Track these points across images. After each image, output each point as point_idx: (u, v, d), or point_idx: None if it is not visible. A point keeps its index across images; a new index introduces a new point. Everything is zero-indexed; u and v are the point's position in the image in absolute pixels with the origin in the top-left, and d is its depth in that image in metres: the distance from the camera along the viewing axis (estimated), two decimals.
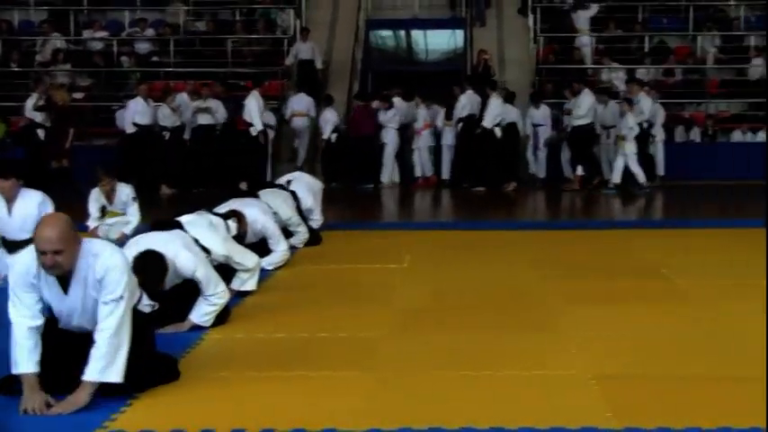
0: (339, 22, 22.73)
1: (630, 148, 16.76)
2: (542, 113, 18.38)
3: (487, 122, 17.37)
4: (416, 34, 23.95)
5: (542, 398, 5.24)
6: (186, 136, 17.59)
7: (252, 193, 10.10)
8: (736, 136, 19.84)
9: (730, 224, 12.66)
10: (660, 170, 18.21)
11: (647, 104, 17.57)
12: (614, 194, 16.67)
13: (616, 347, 6.30)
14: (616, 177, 16.96)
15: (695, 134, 19.79)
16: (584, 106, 17.52)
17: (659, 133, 17.98)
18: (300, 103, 18.88)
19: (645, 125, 17.44)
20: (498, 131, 17.50)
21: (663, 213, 15.85)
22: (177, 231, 6.98)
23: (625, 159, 16.74)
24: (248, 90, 18.32)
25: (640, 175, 16.82)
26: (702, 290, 8.29)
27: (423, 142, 18.45)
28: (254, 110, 17.17)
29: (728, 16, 22.68)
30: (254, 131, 17.15)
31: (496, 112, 17.51)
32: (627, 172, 16.83)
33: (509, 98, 18.30)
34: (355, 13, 22.69)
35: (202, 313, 6.73)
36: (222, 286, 6.84)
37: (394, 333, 6.79)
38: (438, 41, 23.93)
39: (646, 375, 5.63)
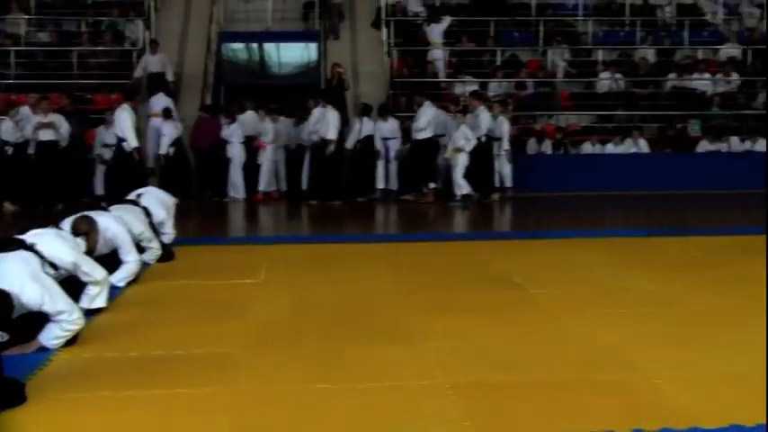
0: (190, 34, 22.46)
1: (462, 160, 17.05)
2: (390, 127, 18.36)
3: (331, 134, 17.31)
4: (269, 47, 23.87)
5: (401, 409, 5.27)
6: (30, 151, 17.04)
7: (102, 207, 9.86)
8: (586, 148, 20.32)
9: (581, 234, 12.97)
10: (507, 182, 18.45)
11: (485, 118, 17.76)
12: (462, 206, 16.88)
13: (473, 356, 6.38)
14: (460, 189, 17.22)
15: (546, 146, 20.20)
16: (424, 119, 17.69)
17: (504, 146, 18.15)
18: (158, 104, 18.48)
19: (483, 138, 17.68)
20: (332, 146, 17.43)
21: (515, 225, 16.13)
22: (21, 256, 6.54)
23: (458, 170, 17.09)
24: (93, 103, 17.87)
25: (464, 188, 17.13)
26: (555, 298, 8.46)
27: (268, 156, 18.33)
28: (127, 124, 16.32)
29: (577, 31, 23.29)
30: (127, 147, 16.33)
31: (336, 123, 17.46)
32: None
33: (365, 111, 18.38)
34: (207, 24, 22.50)
35: (52, 336, 6.50)
36: (77, 313, 6.61)
37: (252, 348, 6.73)
38: (292, 54, 23.89)
39: (503, 383, 5.72)
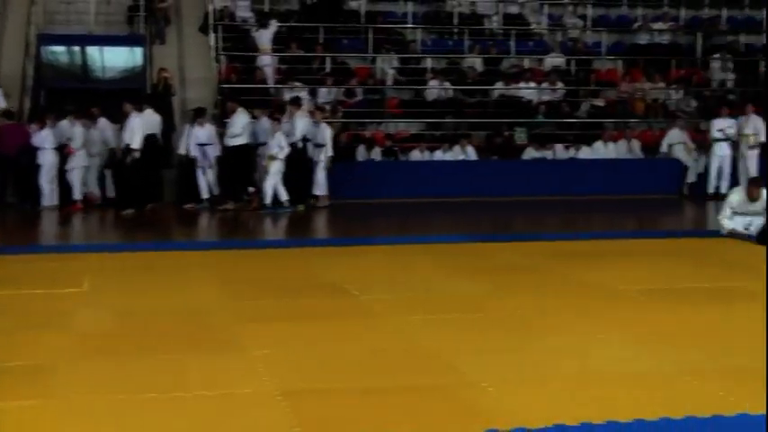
0: (7, 36, 21.76)
1: (276, 167, 17.09)
2: (207, 133, 18.05)
3: (135, 142, 16.79)
4: (92, 50, 23.22)
5: (230, 417, 5.24)
6: None
7: None
8: (415, 155, 20.53)
9: (410, 240, 13.13)
10: (321, 190, 18.16)
11: (301, 125, 17.79)
12: (279, 213, 16.86)
13: (303, 363, 6.38)
14: (269, 197, 17.17)
15: (376, 153, 20.33)
16: (238, 125, 17.60)
17: (326, 152, 17.97)
18: None
19: (300, 144, 17.72)
20: (136, 154, 16.93)
21: (343, 231, 16.12)
22: None
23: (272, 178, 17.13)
24: None
25: (278, 196, 17.13)
26: (384, 304, 8.54)
27: (77, 162, 17.66)
28: None
29: (406, 39, 23.54)
30: None
31: (140, 131, 16.88)
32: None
33: (198, 115, 18.11)
34: (25, 26, 21.85)
35: None
36: None
37: (74, 359, 6.57)
38: (116, 58, 23.33)
39: (332, 389, 5.75)
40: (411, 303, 8.58)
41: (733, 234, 12.87)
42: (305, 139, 17.94)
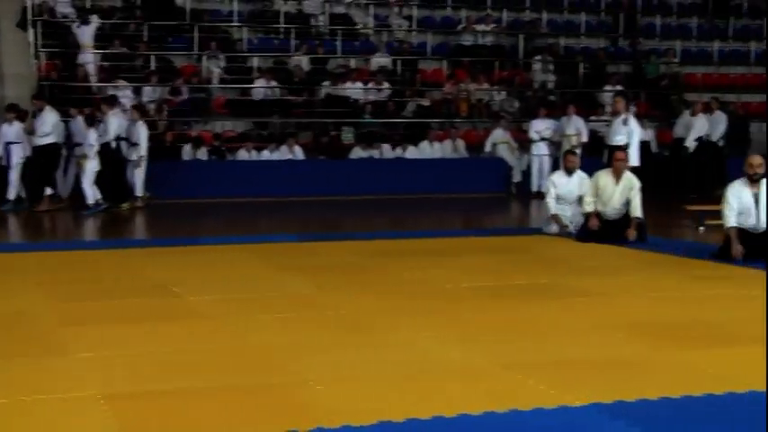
0: None
1: (90, 166, 16.80)
2: (15, 131, 17.56)
3: None
4: None
5: (51, 422, 5.07)
6: None
7: None
8: (242, 154, 20.43)
9: (237, 240, 13.06)
10: (137, 191, 17.99)
11: (114, 124, 17.54)
12: (94, 213, 16.64)
13: (128, 366, 6.25)
14: (90, 197, 16.88)
15: (202, 153, 20.15)
16: (48, 123, 17.22)
17: (140, 152, 17.75)
18: None
19: (113, 144, 17.47)
20: None
21: (170, 231, 15.82)
22: None
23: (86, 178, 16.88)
24: None
25: (93, 196, 16.89)
26: (211, 304, 8.44)
27: None
28: None
29: (232, 38, 23.39)
30: None
31: None
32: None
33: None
34: None
35: None
36: None
37: None
38: None
39: (158, 391, 5.64)
40: (240, 303, 8.51)
41: (556, 220, 13.21)
42: (119, 138, 17.63)
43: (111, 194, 17.19)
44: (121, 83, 20.68)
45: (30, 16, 21.41)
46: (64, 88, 20.13)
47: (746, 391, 5.50)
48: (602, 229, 12.44)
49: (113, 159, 17.35)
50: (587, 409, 5.15)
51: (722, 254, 10.85)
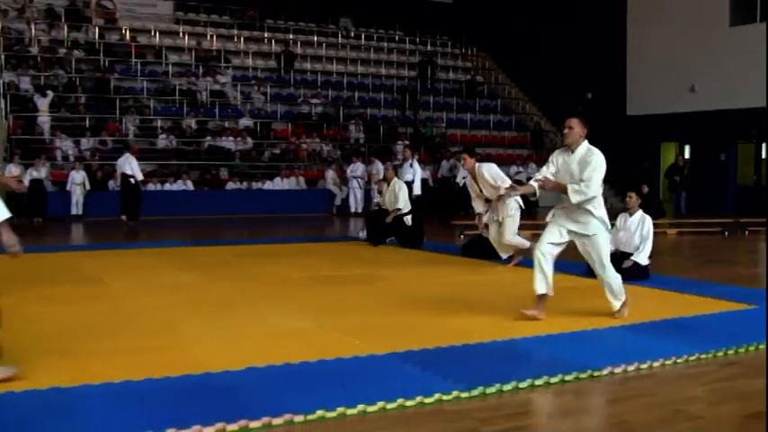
0: None
1: None
2: None
3: None
4: None
5: None
6: None
7: None
8: (150, 186, 19.66)
9: (141, 245, 12.49)
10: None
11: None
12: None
13: (54, 332, 5.81)
14: None
15: None
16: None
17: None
18: None
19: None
20: None
21: (99, 239, 15.14)
22: None
23: None
24: None
25: None
26: (129, 290, 8.00)
27: None
28: None
29: (143, 105, 22.58)
30: None
31: None
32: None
33: None
34: None
35: None
36: None
37: None
38: None
39: (82, 350, 5.24)
40: (143, 288, 8.12)
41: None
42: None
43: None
44: (65, 137, 19.72)
45: (1, 91, 20.24)
46: (25, 140, 19.00)
47: (476, 342, 5.55)
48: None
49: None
50: (387, 356, 5.09)
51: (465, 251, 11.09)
